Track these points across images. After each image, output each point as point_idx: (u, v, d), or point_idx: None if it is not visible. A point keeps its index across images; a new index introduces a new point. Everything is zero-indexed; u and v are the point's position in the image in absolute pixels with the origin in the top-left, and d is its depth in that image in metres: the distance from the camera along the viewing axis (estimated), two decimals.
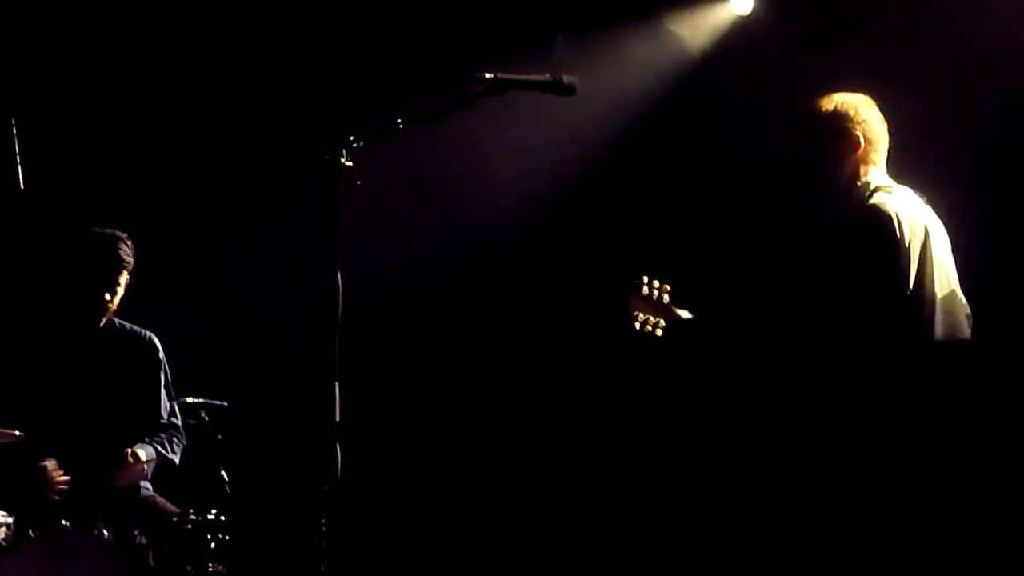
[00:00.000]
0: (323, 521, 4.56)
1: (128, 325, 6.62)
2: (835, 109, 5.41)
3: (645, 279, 5.75)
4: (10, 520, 5.74)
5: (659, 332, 5.70)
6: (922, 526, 4.93)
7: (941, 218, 5.43)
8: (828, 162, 5.42)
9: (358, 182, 4.64)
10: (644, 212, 7.61)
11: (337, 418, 4.57)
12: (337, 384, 4.58)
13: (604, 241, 7.62)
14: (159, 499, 6.40)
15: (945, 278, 5.33)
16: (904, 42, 6.83)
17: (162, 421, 6.54)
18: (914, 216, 5.29)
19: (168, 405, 6.57)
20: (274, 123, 7.68)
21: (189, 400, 6.32)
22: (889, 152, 5.45)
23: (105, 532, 5.77)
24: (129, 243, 6.44)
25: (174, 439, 6.53)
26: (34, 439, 5.93)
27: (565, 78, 4.88)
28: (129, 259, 6.43)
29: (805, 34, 7.10)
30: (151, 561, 5.82)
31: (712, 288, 6.26)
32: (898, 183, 5.42)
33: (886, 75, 6.69)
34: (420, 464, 7.69)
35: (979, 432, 4.92)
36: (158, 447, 6.41)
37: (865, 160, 5.40)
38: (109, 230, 6.45)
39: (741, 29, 7.39)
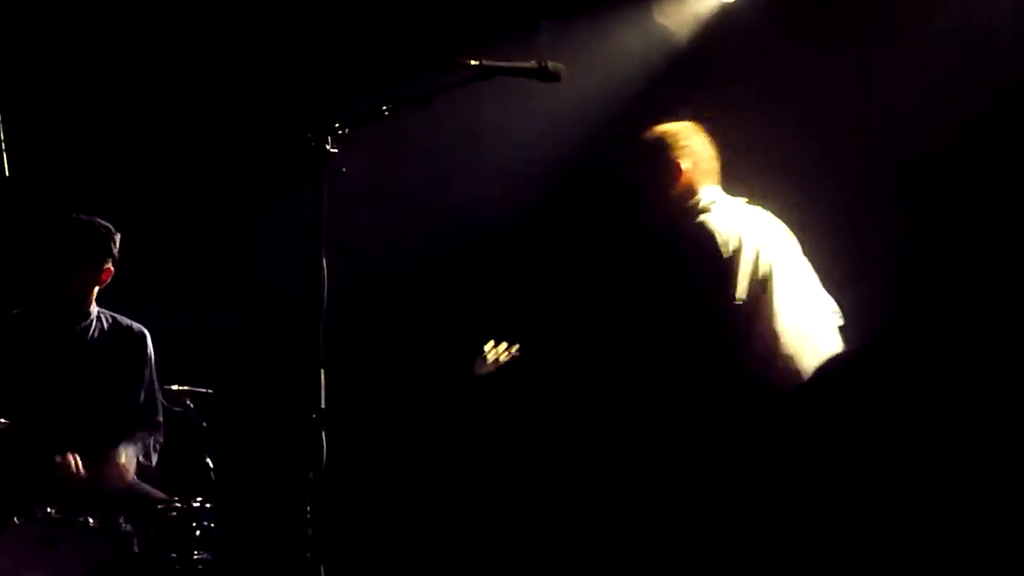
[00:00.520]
0: (308, 508, 4.57)
1: (116, 317, 6.60)
2: (656, 140, 5.63)
3: (489, 346, 5.92)
4: None
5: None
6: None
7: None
8: (652, 190, 5.60)
9: (343, 169, 4.64)
10: (629, 200, 7.60)
11: (322, 405, 4.58)
12: (322, 371, 4.58)
13: (589, 229, 7.61)
14: (144, 486, 6.38)
15: (789, 287, 5.42)
16: (891, 28, 6.83)
17: (156, 419, 6.54)
18: (742, 229, 5.40)
19: (153, 400, 6.55)
20: (259, 109, 7.67)
21: (174, 388, 6.30)
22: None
23: (90, 519, 5.76)
24: (105, 230, 6.41)
25: (152, 442, 6.51)
26: (18, 429, 5.92)
27: (550, 64, 4.89)
28: (102, 246, 6.39)
29: (791, 20, 7.10)
30: (136, 548, 5.82)
31: None
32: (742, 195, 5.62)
33: (873, 61, 6.73)
34: (405, 451, 7.70)
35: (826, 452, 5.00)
36: (138, 452, 6.39)
37: (692, 182, 5.55)
38: (85, 216, 6.43)
39: (727, 15, 7.38)
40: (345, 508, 5.22)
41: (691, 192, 5.53)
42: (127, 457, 6.26)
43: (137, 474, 6.38)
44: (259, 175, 7.65)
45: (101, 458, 6.22)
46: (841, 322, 5.62)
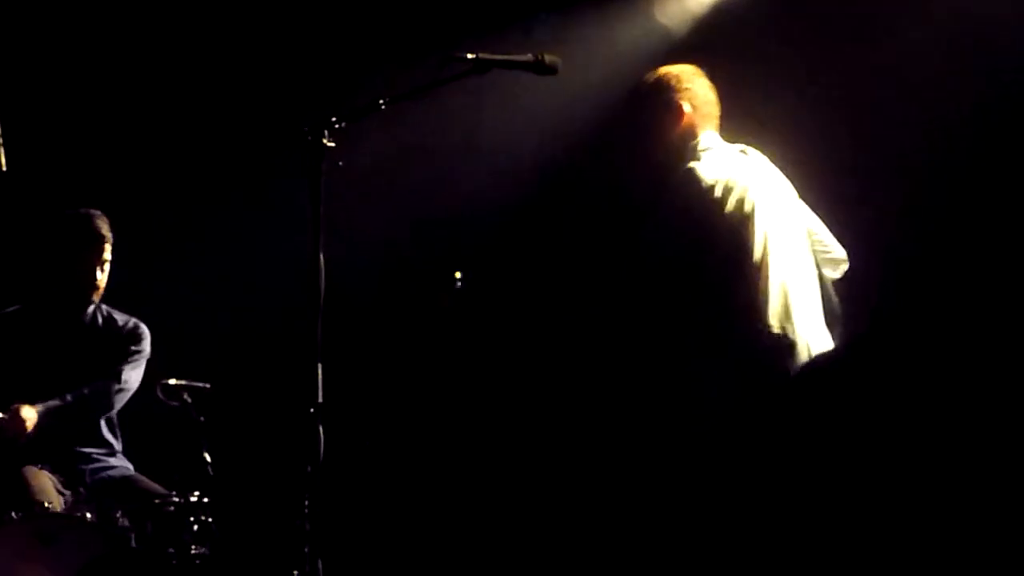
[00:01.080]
0: (306, 503, 4.57)
1: (117, 313, 6.61)
2: (657, 81, 5.56)
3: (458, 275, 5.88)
4: None
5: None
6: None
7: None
8: (653, 132, 5.52)
9: (340, 163, 4.63)
10: (625, 194, 7.60)
11: (320, 400, 4.58)
12: (320, 366, 4.58)
13: (586, 223, 7.61)
14: (142, 481, 6.39)
15: (783, 236, 5.36)
16: (891, 23, 6.82)
17: (116, 369, 6.51)
18: (733, 174, 5.34)
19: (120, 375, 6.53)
20: (255, 104, 7.67)
21: (172, 382, 6.30)
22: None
23: (87, 514, 5.76)
24: (104, 219, 6.43)
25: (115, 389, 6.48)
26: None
27: (547, 58, 4.89)
28: (107, 232, 6.42)
29: (790, 15, 7.09)
30: (133, 543, 5.82)
31: None
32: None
33: (872, 57, 6.73)
34: (403, 446, 7.69)
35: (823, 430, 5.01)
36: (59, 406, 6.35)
37: (693, 125, 5.50)
38: (83, 209, 6.44)
39: (724, 9, 7.38)
40: (343, 502, 5.21)
41: (691, 135, 5.48)
42: (31, 411, 6.22)
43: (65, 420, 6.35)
44: (257, 169, 7.65)
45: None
46: (844, 268, 5.59)
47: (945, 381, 4.96)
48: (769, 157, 5.63)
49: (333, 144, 4.65)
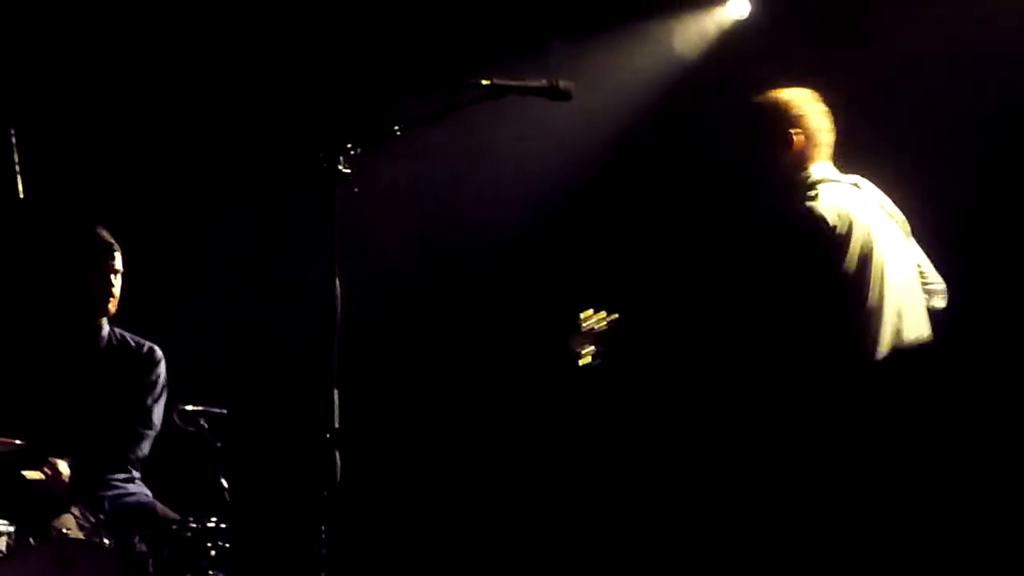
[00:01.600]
0: (322, 528, 4.57)
1: (130, 337, 6.63)
2: (772, 106, 5.46)
3: (586, 315, 5.78)
4: (11, 528, 5.74)
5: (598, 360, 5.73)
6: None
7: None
8: (763, 159, 5.46)
9: (356, 189, 4.65)
10: (641, 216, 7.61)
11: (336, 425, 4.58)
12: (336, 391, 4.59)
13: (601, 245, 7.62)
14: (159, 506, 6.39)
15: (895, 274, 5.32)
16: (903, 46, 6.83)
17: (137, 429, 6.53)
18: (851, 211, 5.27)
19: (143, 415, 6.55)
20: (271, 129, 7.69)
21: (189, 408, 6.29)
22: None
23: (105, 540, 5.77)
24: (107, 231, 6.47)
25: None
26: (29, 448, 5.94)
27: (561, 83, 4.89)
28: (112, 240, 6.45)
29: (803, 38, 7.10)
30: (151, 568, 5.82)
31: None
32: (850, 173, 5.47)
33: (884, 79, 6.73)
34: (419, 471, 7.69)
35: (926, 442, 4.96)
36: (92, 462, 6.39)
37: (804, 155, 5.41)
38: (96, 227, 6.48)
39: (738, 34, 7.39)
40: (359, 528, 5.22)
41: (802, 166, 5.39)
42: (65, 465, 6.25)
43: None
44: (273, 194, 7.67)
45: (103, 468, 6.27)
46: (943, 302, 5.54)
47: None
48: None
49: (348, 170, 4.66)
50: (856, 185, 5.46)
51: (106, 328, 6.56)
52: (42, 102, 7.56)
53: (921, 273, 5.51)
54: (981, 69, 6.59)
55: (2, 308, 6.40)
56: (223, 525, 5.93)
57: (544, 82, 4.89)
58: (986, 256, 6.47)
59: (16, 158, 7.22)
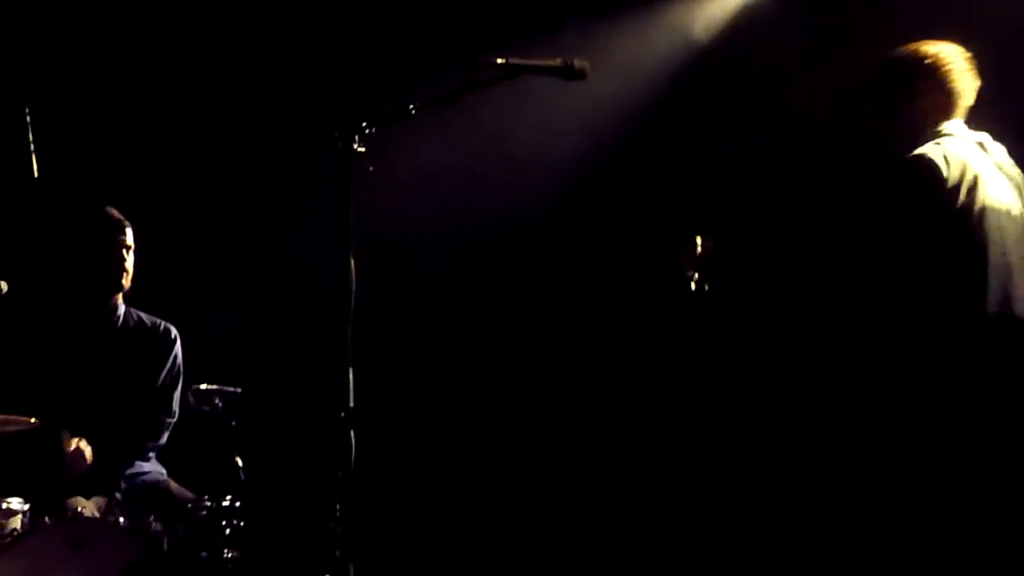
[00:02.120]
0: (337, 507, 4.58)
1: (145, 316, 6.64)
2: (923, 56, 5.38)
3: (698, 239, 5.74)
4: (26, 507, 5.75)
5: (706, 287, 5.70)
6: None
7: None
8: (902, 109, 5.41)
9: (371, 168, 4.65)
10: (654, 198, 7.61)
11: (351, 404, 4.59)
12: (351, 370, 4.60)
13: (615, 228, 7.62)
14: (173, 485, 6.42)
15: (1006, 234, 5.25)
16: (919, 23, 6.81)
17: (159, 417, 6.57)
18: (971, 166, 5.22)
19: (166, 398, 6.58)
20: (287, 109, 7.69)
21: (203, 387, 6.30)
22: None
23: (120, 519, 5.79)
24: (123, 218, 6.49)
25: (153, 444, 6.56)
26: (46, 427, 5.95)
27: (576, 63, 4.88)
28: (122, 217, 6.47)
29: (816, 19, 7.09)
30: (165, 547, 5.84)
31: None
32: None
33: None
34: (434, 450, 7.70)
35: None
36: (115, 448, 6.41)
37: (942, 110, 5.38)
38: (108, 208, 6.51)
39: (750, 14, 7.38)
40: (374, 506, 5.23)
41: (938, 119, 5.35)
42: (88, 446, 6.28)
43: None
44: (287, 174, 7.67)
45: (128, 446, 6.28)
46: None
47: None
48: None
49: (363, 149, 4.66)
50: (981, 144, 5.39)
51: (122, 307, 6.59)
52: (57, 81, 7.57)
53: None
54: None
55: (19, 288, 6.39)
56: (238, 504, 5.95)
57: (559, 61, 4.88)
58: None
59: (31, 138, 7.23)
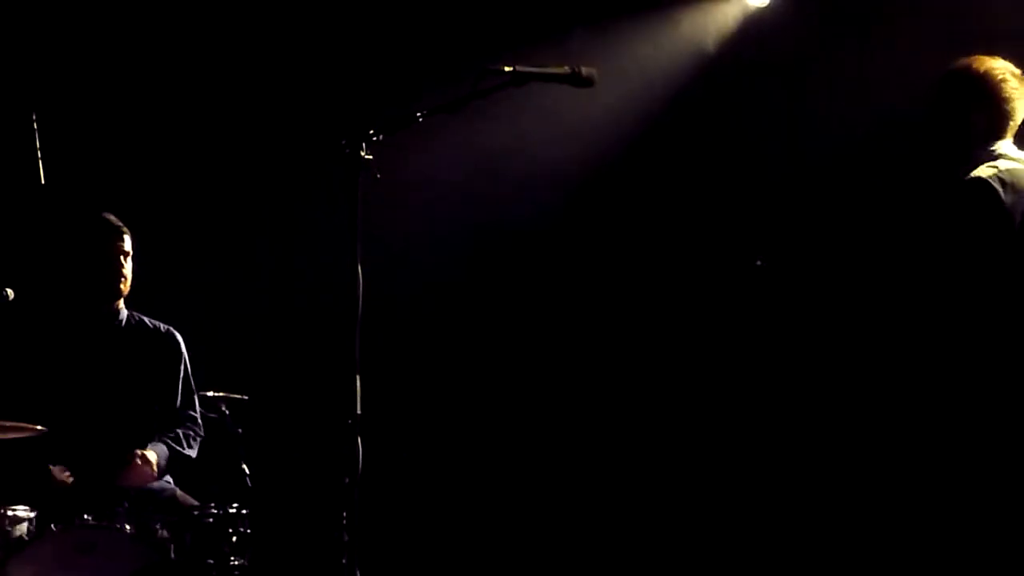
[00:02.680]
0: (344, 514, 4.58)
1: (148, 320, 6.64)
2: (982, 73, 5.30)
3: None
4: (32, 514, 5.75)
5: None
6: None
7: None
8: (960, 125, 5.33)
9: (378, 175, 4.65)
10: (662, 204, 7.61)
11: (358, 411, 4.59)
12: (358, 377, 4.60)
13: (622, 233, 7.62)
14: (180, 492, 6.41)
15: None
16: (920, 33, 6.81)
17: (190, 413, 6.56)
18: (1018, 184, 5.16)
19: (189, 398, 6.59)
20: (294, 116, 7.69)
21: (210, 394, 6.33)
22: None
23: (127, 526, 5.79)
24: (123, 227, 6.49)
25: (190, 433, 6.53)
26: (53, 434, 5.94)
27: (584, 70, 4.89)
28: (120, 224, 6.47)
29: (821, 26, 7.09)
30: (172, 554, 5.84)
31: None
32: None
33: (904, 66, 6.71)
34: (441, 457, 7.70)
35: None
36: (171, 444, 6.40)
37: (996, 128, 5.30)
38: (108, 215, 6.51)
39: (757, 21, 7.38)
40: (381, 514, 5.23)
41: (993, 137, 5.27)
42: (156, 455, 6.28)
43: (178, 465, 6.41)
44: (295, 181, 7.67)
45: (127, 455, 6.28)
46: None
47: None
48: None
49: (371, 156, 4.67)
50: None
51: (124, 312, 6.57)
52: (64, 88, 7.57)
53: None
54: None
55: (24, 293, 6.41)
56: (244, 511, 5.95)
57: (566, 69, 4.88)
58: None
59: (38, 144, 7.23)
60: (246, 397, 6.37)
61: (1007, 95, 5.29)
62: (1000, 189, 5.14)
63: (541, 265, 7.75)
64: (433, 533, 7.60)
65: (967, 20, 6.61)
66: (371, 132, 4.69)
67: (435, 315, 7.78)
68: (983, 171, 5.17)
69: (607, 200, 7.68)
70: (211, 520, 5.91)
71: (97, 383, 6.39)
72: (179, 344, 6.63)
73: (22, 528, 5.71)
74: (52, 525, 5.71)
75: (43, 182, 7.26)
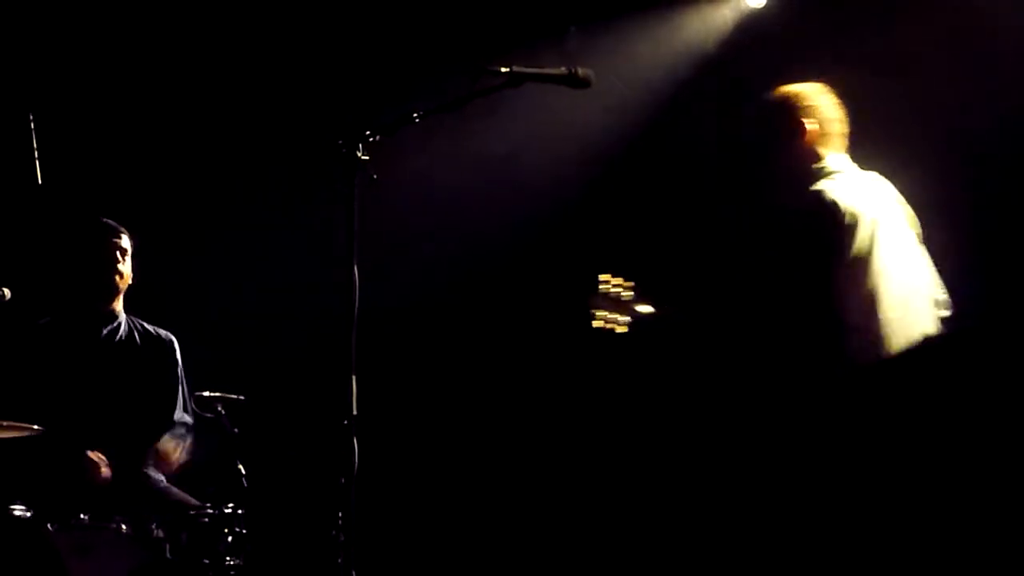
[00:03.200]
0: (340, 514, 4.58)
1: (145, 324, 6.64)
2: (783, 98, 5.49)
3: (606, 278, 5.78)
4: (29, 515, 5.75)
5: (620, 329, 5.72)
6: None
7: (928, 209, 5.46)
8: (777, 150, 5.47)
9: (375, 176, 4.66)
10: (656, 207, 7.61)
11: (354, 412, 4.59)
12: (354, 378, 4.60)
13: (621, 233, 7.62)
14: (176, 492, 6.41)
15: (903, 268, 5.32)
16: (919, 33, 6.82)
17: (187, 421, 6.58)
18: (861, 203, 5.29)
19: (184, 405, 6.60)
20: (291, 116, 7.69)
21: (206, 394, 6.32)
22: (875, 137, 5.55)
23: (123, 526, 5.78)
24: (122, 231, 6.50)
25: (188, 443, 6.55)
26: (51, 435, 5.94)
27: (580, 71, 4.90)
28: (115, 225, 6.47)
29: (820, 27, 7.09)
30: (168, 554, 5.84)
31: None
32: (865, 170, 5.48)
33: (900, 65, 6.72)
34: (437, 457, 7.70)
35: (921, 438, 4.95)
36: (178, 440, 6.45)
37: (817, 145, 5.42)
38: (107, 220, 6.52)
39: (755, 22, 7.38)
40: (377, 514, 5.23)
41: (815, 155, 5.42)
42: (169, 446, 6.31)
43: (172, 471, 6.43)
44: (292, 182, 7.67)
45: (141, 456, 6.28)
46: (947, 313, 5.47)
47: None
48: None
49: (367, 157, 4.67)
50: (872, 180, 5.47)
51: (122, 315, 6.58)
52: (62, 89, 7.57)
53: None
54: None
55: (21, 293, 6.40)
56: (240, 511, 5.95)
57: (563, 70, 4.89)
58: (997, 261, 6.45)
59: (35, 144, 7.23)
60: (242, 397, 6.37)
61: (816, 110, 5.46)
62: (840, 201, 5.24)
63: (539, 266, 7.75)
64: (429, 533, 7.61)
65: (967, 20, 6.62)
66: (368, 132, 4.70)
67: (431, 315, 7.79)
68: (821, 185, 5.30)
69: (605, 200, 7.68)
70: (207, 520, 5.91)
71: (93, 387, 6.40)
72: (175, 349, 6.65)
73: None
74: (48, 525, 5.70)
75: (40, 182, 7.26)
